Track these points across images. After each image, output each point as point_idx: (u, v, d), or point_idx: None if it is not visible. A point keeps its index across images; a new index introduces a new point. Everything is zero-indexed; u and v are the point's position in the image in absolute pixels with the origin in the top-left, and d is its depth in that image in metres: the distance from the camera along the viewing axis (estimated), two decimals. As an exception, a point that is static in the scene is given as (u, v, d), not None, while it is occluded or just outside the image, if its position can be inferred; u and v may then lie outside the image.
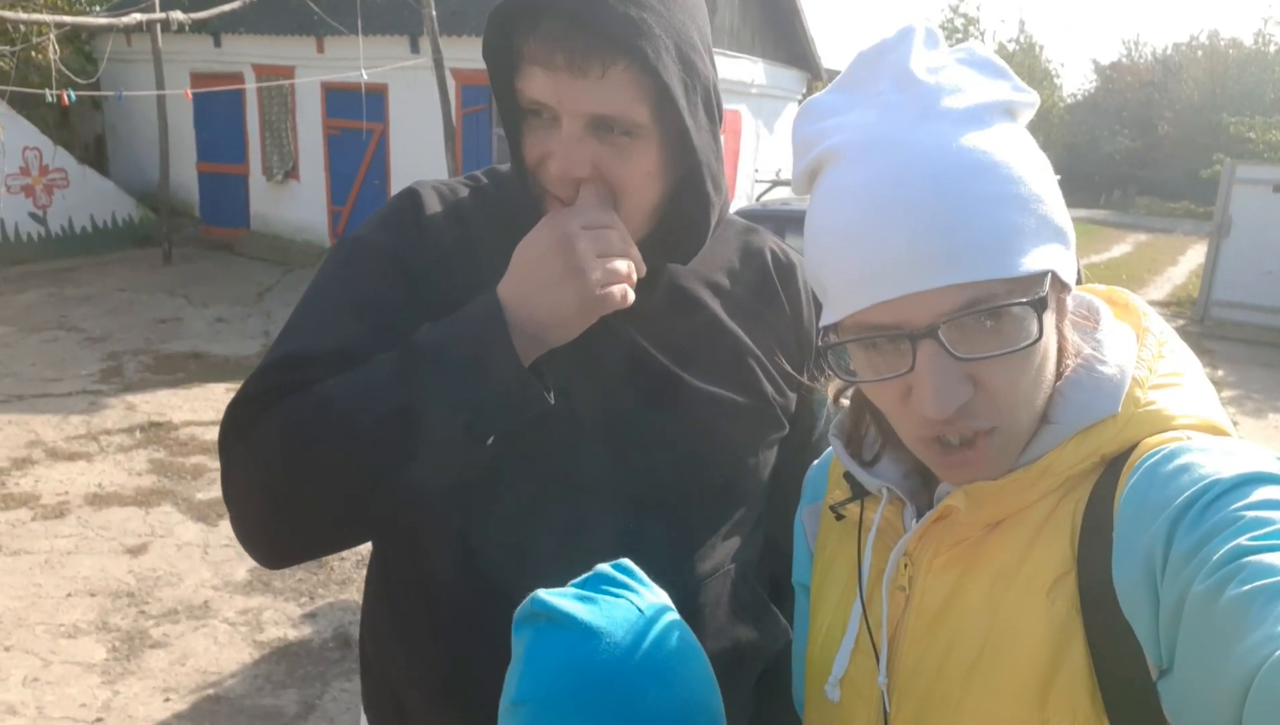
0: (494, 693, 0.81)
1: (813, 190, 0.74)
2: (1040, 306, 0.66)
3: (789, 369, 1.08)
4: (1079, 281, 0.78)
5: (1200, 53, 32.63)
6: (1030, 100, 0.73)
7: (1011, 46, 28.76)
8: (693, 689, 0.78)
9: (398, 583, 1.05)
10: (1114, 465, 0.70)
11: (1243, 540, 0.56)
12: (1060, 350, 0.74)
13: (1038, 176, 0.70)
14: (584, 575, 0.82)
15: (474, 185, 1.08)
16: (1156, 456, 0.66)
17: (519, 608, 0.80)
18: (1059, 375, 0.73)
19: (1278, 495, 0.59)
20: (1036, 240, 0.68)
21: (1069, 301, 0.75)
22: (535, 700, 0.75)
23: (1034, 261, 0.67)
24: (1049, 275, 0.68)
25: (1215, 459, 0.63)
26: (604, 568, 0.83)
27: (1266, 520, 0.56)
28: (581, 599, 0.78)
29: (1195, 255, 12.83)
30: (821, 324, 0.74)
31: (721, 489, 1.04)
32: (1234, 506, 0.58)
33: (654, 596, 0.81)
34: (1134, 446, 0.70)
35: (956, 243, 0.65)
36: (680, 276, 1.06)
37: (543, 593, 0.79)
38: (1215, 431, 0.71)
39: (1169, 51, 34.53)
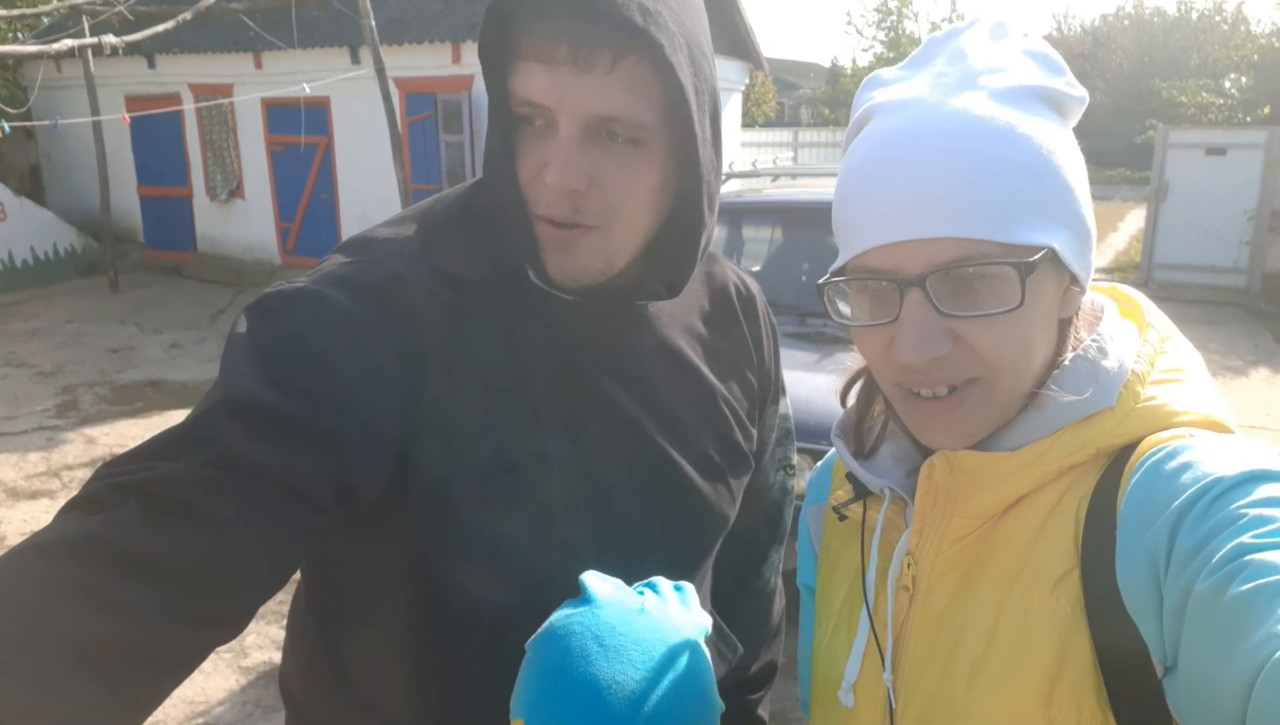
0: None
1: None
2: (1025, 271, 0.67)
3: (752, 410, 1.06)
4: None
5: (1127, 22, 33.35)
6: (1079, 96, 0.74)
7: (944, 26, 29.24)
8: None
9: (372, 627, 0.93)
10: (1116, 462, 0.70)
11: (1245, 538, 0.56)
12: (1062, 339, 0.75)
13: (1062, 163, 0.71)
14: (641, 583, 0.84)
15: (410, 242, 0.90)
16: (1159, 454, 0.67)
17: (548, 623, 0.80)
18: (1057, 364, 0.74)
19: (1279, 493, 0.59)
20: (1042, 217, 0.69)
21: (1079, 298, 0.76)
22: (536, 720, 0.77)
23: (1034, 234, 0.68)
24: (1046, 251, 0.68)
25: (1217, 457, 0.64)
26: (661, 582, 0.85)
27: (1269, 518, 0.57)
28: (616, 606, 0.79)
29: (1135, 220, 13.16)
30: (831, 269, 0.76)
31: (707, 549, 1.03)
32: (1236, 504, 0.59)
33: (688, 623, 0.82)
34: (1136, 443, 0.70)
35: (959, 197, 0.67)
36: (660, 326, 0.98)
37: (591, 577, 0.81)
38: (1217, 428, 0.71)
39: (1097, 23, 35.25)
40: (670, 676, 0.77)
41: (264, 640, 3.80)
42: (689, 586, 0.86)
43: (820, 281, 0.76)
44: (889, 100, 0.74)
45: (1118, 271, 12.68)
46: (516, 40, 0.81)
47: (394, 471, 0.82)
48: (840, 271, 0.75)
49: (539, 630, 0.80)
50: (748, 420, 1.05)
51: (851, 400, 0.89)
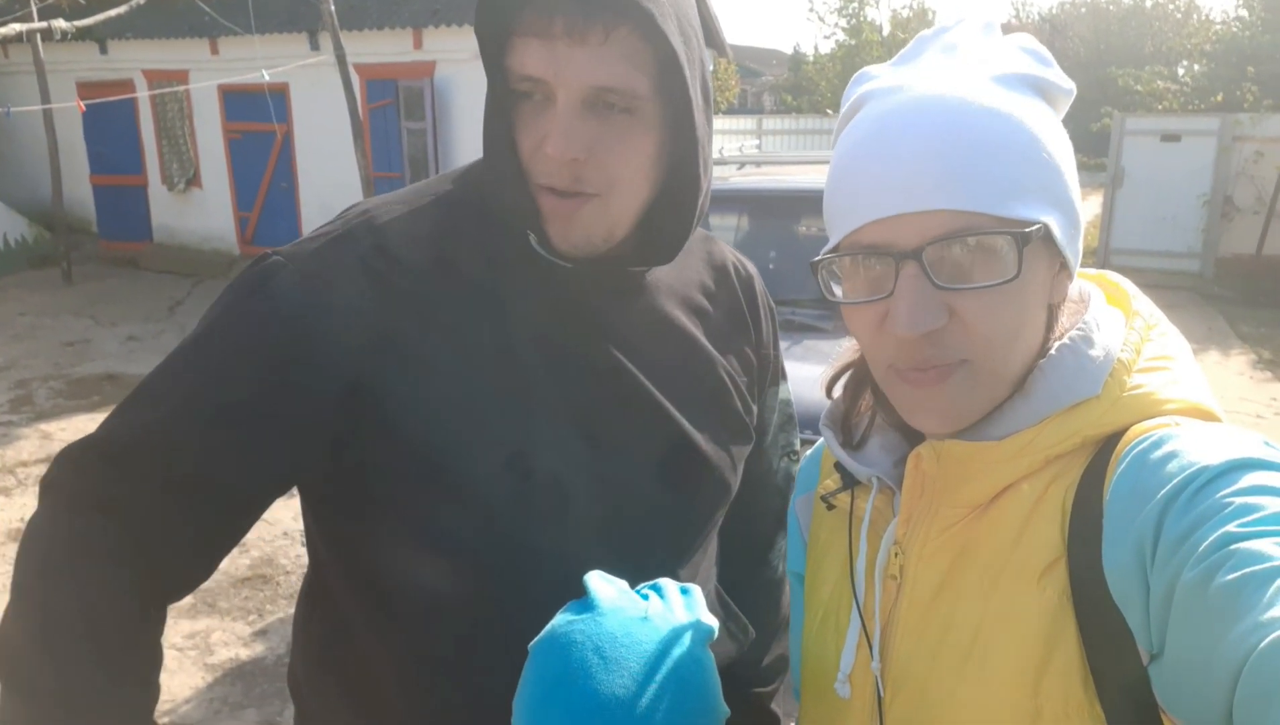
0: None
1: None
2: (1023, 241, 0.67)
3: (751, 384, 1.08)
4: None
5: (1084, 10, 33.80)
6: (1068, 88, 0.75)
7: (905, 13, 29.32)
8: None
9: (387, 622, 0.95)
10: (1103, 451, 0.70)
11: (1231, 527, 0.56)
12: (1049, 325, 0.75)
13: (1054, 149, 0.72)
14: (647, 584, 0.84)
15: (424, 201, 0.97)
16: (1145, 443, 0.67)
17: (554, 622, 0.81)
18: (1044, 352, 0.74)
19: (1265, 481, 0.59)
20: (1036, 196, 0.69)
21: (1068, 284, 0.76)
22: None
23: (1028, 211, 0.68)
24: (1041, 226, 0.69)
25: (1203, 445, 0.64)
26: (666, 584, 0.85)
27: (1255, 506, 0.57)
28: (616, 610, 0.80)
29: (1092, 206, 13.36)
30: (824, 251, 0.76)
31: (711, 517, 1.04)
32: (1222, 493, 0.59)
33: (692, 630, 0.82)
34: (1122, 432, 0.70)
35: (956, 171, 0.67)
36: (659, 297, 1.01)
37: (595, 577, 0.82)
38: (1204, 415, 0.71)
39: (1055, 11, 35.69)
40: (672, 688, 0.77)
41: (229, 637, 3.76)
42: (695, 588, 0.86)
43: (814, 260, 0.75)
44: (882, 87, 0.75)
45: (1076, 257, 12.87)
46: (512, 19, 0.85)
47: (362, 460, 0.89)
48: (834, 250, 0.75)
49: (541, 633, 0.80)
50: (747, 393, 1.07)
51: (837, 392, 0.89)
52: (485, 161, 0.92)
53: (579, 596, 0.84)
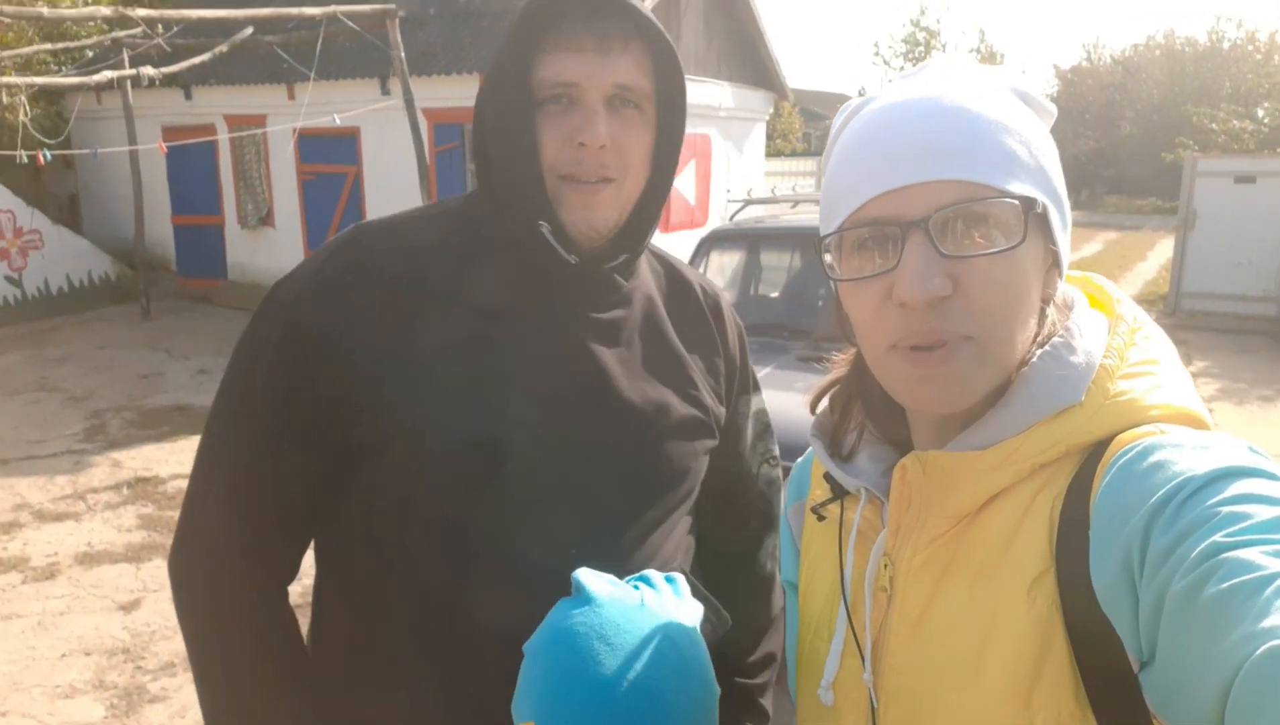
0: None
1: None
2: (1027, 206, 0.69)
3: (719, 387, 1.18)
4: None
5: (1158, 52, 33.22)
6: (1051, 111, 0.79)
7: (973, 57, 29.26)
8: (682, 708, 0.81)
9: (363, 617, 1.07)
10: (1090, 460, 0.70)
11: (1219, 537, 0.56)
12: (1040, 324, 0.75)
13: (1047, 152, 0.74)
14: (633, 576, 0.89)
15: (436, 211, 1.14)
16: (1131, 453, 0.66)
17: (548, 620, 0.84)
18: (1025, 362, 0.74)
19: (1252, 489, 0.59)
20: (1034, 180, 0.72)
21: (1058, 282, 0.77)
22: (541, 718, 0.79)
23: (1027, 190, 0.70)
24: (1041, 204, 0.71)
25: (1189, 454, 0.63)
26: (653, 574, 0.88)
27: (1242, 515, 0.57)
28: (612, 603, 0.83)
29: (1164, 249, 13.03)
30: (823, 233, 0.77)
31: (670, 493, 1.10)
32: (1209, 502, 0.59)
33: (684, 613, 0.85)
34: (1108, 439, 0.70)
35: (962, 145, 0.69)
36: (639, 299, 1.13)
37: (584, 573, 0.85)
38: (1190, 420, 0.71)
39: (1127, 53, 35.14)
40: (674, 667, 0.81)
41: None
42: (680, 577, 0.91)
43: (822, 236, 0.76)
44: (881, 97, 0.78)
45: (1145, 302, 12.55)
46: (542, 39, 1.01)
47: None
48: (836, 230, 0.75)
49: (537, 632, 0.83)
50: (714, 393, 1.18)
51: (824, 407, 0.90)
52: (506, 163, 1.04)
53: (535, 574, 0.89)
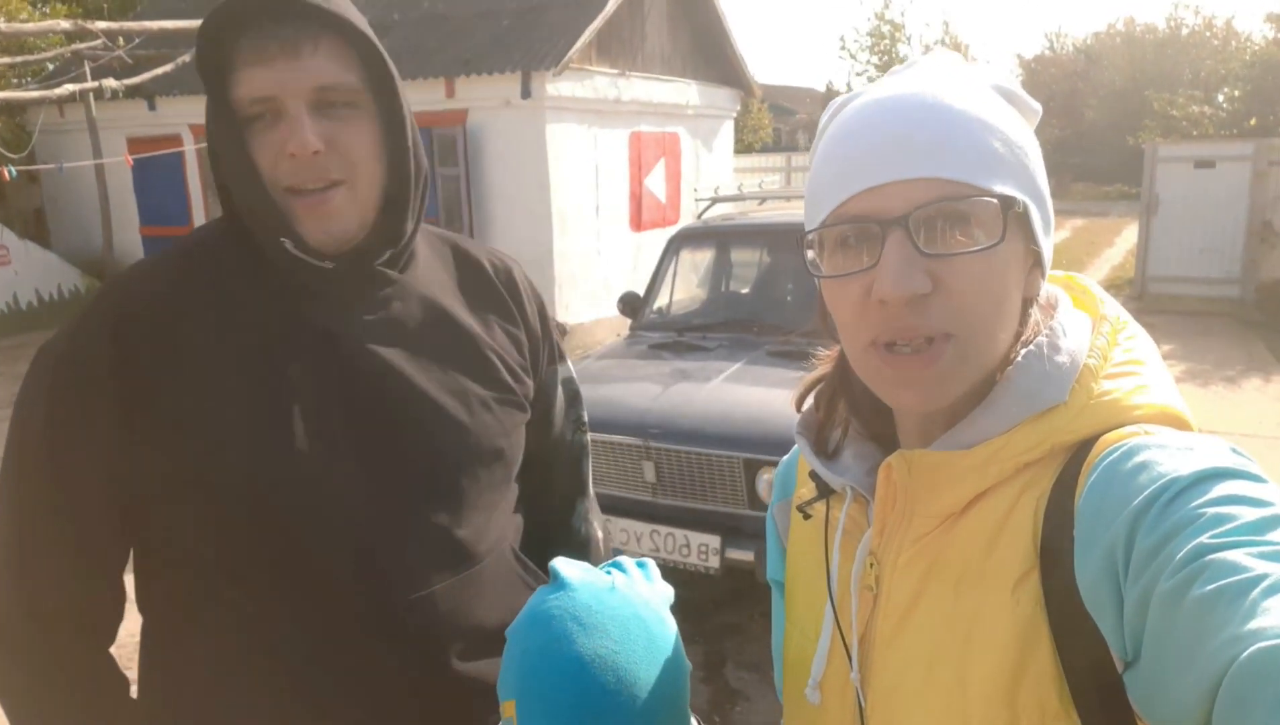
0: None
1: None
2: (1006, 205, 0.69)
3: (523, 360, 1.20)
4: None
5: (1119, 39, 33.67)
6: (1035, 108, 0.79)
7: (937, 49, 29.44)
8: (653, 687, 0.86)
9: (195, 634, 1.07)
10: (1074, 460, 0.70)
11: (1204, 539, 0.56)
12: (1022, 325, 0.76)
13: (1029, 147, 0.75)
14: (608, 562, 0.93)
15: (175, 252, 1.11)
16: (1115, 454, 0.67)
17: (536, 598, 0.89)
18: (1009, 361, 0.74)
19: (1236, 490, 0.59)
20: (1016, 178, 0.72)
21: (1040, 282, 0.77)
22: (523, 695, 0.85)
23: (1008, 189, 0.70)
24: (1021, 203, 0.71)
25: (1173, 455, 0.63)
26: (625, 560, 0.93)
27: (1227, 517, 0.57)
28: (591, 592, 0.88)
29: (1131, 235, 13.24)
30: (807, 229, 0.77)
31: (484, 474, 1.12)
32: (1194, 504, 0.59)
33: (654, 595, 0.90)
34: (1093, 439, 0.70)
35: (940, 144, 0.70)
36: (418, 285, 1.13)
37: (561, 562, 0.90)
38: (1174, 419, 0.71)
39: (1089, 41, 35.58)
40: (646, 645, 0.85)
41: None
42: (650, 562, 0.95)
43: (805, 232, 0.77)
44: (866, 94, 0.78)
45: (1113, 286, 12.74)
46: (229, 57, 0.99)
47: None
48: (817, 228, 0.76)
49: (518, 617, 0.89)
50: (518, 368, 1.19)
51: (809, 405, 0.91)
52: (235, 185, 1.03)
53: (350, 568, 1.00)
